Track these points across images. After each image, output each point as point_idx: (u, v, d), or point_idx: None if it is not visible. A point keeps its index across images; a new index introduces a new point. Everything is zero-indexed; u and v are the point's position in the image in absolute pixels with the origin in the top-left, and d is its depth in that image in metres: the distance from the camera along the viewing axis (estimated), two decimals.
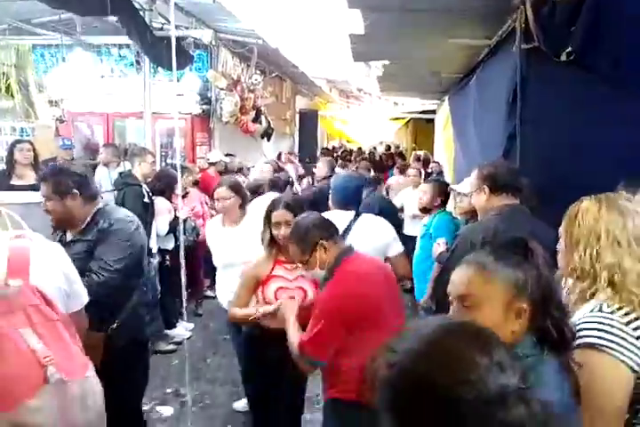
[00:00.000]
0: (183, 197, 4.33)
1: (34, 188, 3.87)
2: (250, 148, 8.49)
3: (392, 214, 4.12)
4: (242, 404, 3.29)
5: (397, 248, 2.80)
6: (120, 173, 4.54)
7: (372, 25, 3.54)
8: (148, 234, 4.15)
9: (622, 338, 1.22)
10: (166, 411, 3.38)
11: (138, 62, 5.94)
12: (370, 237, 2.65)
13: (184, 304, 3.30)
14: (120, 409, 1.80)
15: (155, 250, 4.25)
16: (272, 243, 2.36)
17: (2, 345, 1.34)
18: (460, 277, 1.15)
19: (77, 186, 2.22)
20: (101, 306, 2.03)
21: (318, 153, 11.45)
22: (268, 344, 2.26)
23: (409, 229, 4.93)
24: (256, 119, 7.75)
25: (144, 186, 4.13)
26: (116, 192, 4.28)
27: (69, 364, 1.41)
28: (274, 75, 8.60)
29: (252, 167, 7.10)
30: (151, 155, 4.35)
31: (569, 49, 2.42)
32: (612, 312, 1.27)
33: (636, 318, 1.26)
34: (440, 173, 7.17)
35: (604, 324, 1.24)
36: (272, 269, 2.33)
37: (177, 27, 3.62)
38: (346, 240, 2.53)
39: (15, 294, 1.38)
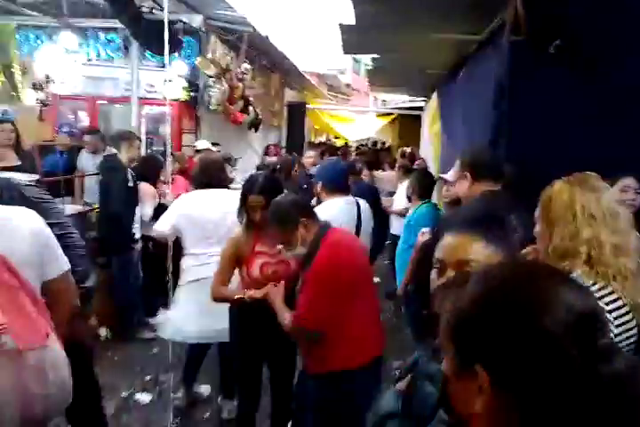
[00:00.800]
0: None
1: (16, 169, 3.82)
2: (236, 138, 8.43)
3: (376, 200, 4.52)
4: (203, 388, 3.40)
5: None
6: (104, 157, 4.48)
7: (362, 15, 3.55)
8: (132, 219, 4.11)
9: None
10: (145, 398, 3.36)
11: (125, 47, 5.87)
12: (369, 222, 2.93)
13: (169, 293, 3.25)
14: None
15: (138, 236, 4.20)
16: (249, 222, 2.39)
17: None
18: (457, 243, 1.15)
19: None
20: None
21: (305, 146, 11.43)
22: (255, 317, 2.30)
23: (395, 227, 4.96)
24: (244, 109, 7.71)
25: (129, 170, 4.08)
26: (100, 176, 4.23)
27: (28, 333, 1.33)
28: (263, 63, 8.55)
29: (238, 158, 7.06)
30: (138, 139, 4.31)
31: (558, 42, 2.46)
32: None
33: (611, 293, 1.29)
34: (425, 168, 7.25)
35: None
36: (253, 246, 2.36)
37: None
38: (362, 226, 2.82)
39: None
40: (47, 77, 6.33)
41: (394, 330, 4.02)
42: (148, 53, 5.80)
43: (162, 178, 4.43)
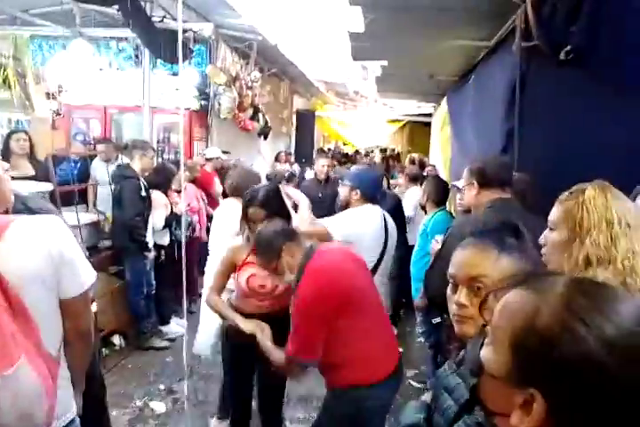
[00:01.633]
0: (180, 192, 4.31)
1: (31, 179, 3.87)
2: (246, 145, 8.48)
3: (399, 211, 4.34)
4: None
5: None
6: (118, 166, 4.52)
7: (372, 23, 3.56)
8: (145, 228, 4.14)
9: None
10: (159, 407, 3.36)
11: (137, 56, 5.93)
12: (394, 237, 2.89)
13: (184, 301, 3.23)
14: None
15: (150, 244, 4.23)
16: (250, 234, 2.40)
17: None
18: (467, 258, 1.10)
19: None
20: None
21: (314, 154, 11.45)
22: (245, 335, 2.29)
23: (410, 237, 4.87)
24: (254, 117, 7.75)
25: (141, 179, 4.12)
26: (112, 185, 4.27)
27: None
28: (273, 70, 8.59)
29: (250, 166, 7.08)
30: (152, 149, 4.34)
31: (568, 48, 2.44)
32: None
33: None
34: (437, 175, 7.20)
35: None
36: (247, 256, 2.37)
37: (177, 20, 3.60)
38: (387, 237, 2.77)
39: None
40: (60, 87, 6.41)
41: (406, 338, 3.99)
42: (160, 62, 5.86)
43: (174, 187, 4.46)
